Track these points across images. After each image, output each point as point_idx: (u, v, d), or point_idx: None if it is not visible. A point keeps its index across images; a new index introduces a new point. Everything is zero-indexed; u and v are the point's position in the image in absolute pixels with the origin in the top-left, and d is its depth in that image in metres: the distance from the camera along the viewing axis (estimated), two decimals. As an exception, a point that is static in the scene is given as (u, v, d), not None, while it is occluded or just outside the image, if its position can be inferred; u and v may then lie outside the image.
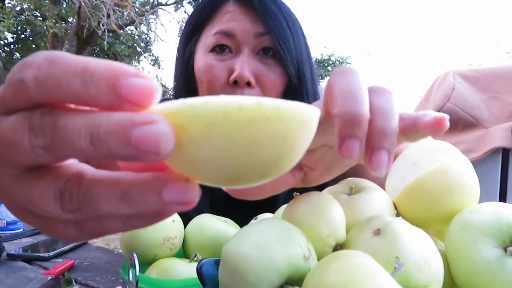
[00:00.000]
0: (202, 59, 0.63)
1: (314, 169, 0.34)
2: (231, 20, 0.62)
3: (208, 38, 0.63)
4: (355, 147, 0.24)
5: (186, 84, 0.68)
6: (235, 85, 0.60)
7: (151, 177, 0.17)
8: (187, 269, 0.45)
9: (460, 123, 1.18)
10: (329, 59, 17.69)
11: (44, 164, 0.17)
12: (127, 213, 0.17)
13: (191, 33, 0.68)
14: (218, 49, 0.62)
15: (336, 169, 0.34)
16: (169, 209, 0.17)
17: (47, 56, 0.16)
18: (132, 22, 7.88)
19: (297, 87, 0.63)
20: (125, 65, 0.15)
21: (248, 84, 0.60)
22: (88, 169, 0.18)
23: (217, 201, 0.67)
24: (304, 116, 0.17)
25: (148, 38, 9.98)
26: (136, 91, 0.15)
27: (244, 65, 0.59)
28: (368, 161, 0.25)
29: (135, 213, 0.17)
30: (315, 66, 0.69)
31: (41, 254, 0.65)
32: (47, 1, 7.30)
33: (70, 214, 0.17)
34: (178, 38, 0.71)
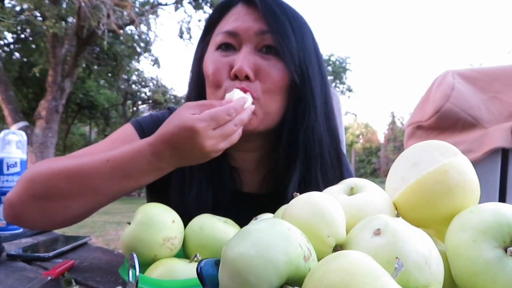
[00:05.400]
0: (209, 56, 0.68)
1: None
2: (236, 20, 0.66)
3: (216, 37, 0.68)
4: None
5: (197, 80, 0.73)
6: (236, 79, 0.64)
7: None
8: (187, 269, 0.45)
9: (460, 123, 1.18)
10: (329, 59, 17.68)
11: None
12: None
13: (204, 35, 0.73)
14: (224, 47, 0.67)
15: None
16: None
17: None
18: (132, 22, 7.88)
19: (300, 86, 0.65)
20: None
21: (247, 78, 0.63)
22: None
23: (220, 202, 0.67)
24: None
25: (148, 38, 9.96)
26: None
27: (244, 60, 0.63)
28: None
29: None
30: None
31: (41, 255, 0.65)
32: (47, 1, 7.29)
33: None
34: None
